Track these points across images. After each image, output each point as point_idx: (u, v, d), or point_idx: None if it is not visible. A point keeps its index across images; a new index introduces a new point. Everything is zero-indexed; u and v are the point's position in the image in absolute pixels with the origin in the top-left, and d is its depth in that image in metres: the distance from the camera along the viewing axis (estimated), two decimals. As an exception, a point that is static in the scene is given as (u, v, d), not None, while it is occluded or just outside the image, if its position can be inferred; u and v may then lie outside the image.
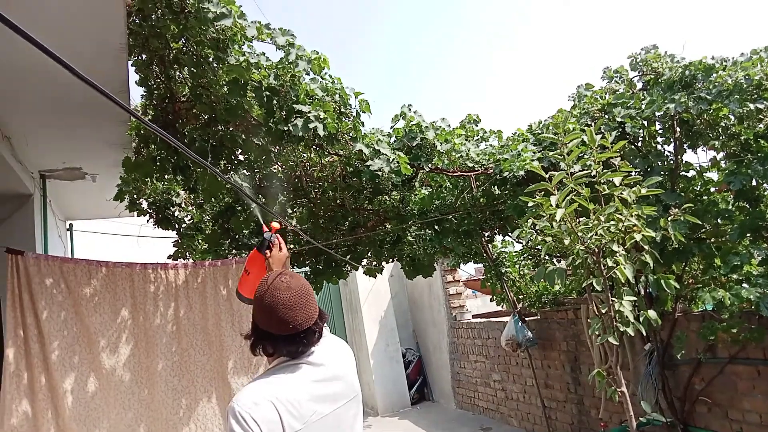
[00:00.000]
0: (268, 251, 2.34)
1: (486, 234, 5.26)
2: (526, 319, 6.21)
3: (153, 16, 2.96)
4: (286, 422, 1.43)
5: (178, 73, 3.39)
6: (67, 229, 6.58)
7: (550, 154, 3.44)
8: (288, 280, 1.55)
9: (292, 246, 4.65)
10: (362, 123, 3.50)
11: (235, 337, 3.79)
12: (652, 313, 3.15)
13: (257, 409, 1.40)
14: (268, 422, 1.40)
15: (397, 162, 3.44)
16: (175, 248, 5.04)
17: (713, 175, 3.93)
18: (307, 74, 3.20)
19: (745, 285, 3.48)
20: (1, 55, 3.01)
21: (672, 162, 3.80)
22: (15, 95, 3.49)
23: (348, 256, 4.90)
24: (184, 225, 4.96)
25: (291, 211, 4.72)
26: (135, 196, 4.58)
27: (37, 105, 3.66)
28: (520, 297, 6.30)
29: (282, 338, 1.52)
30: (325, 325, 1.70)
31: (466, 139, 4.07)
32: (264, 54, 3.13)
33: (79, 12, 2.77)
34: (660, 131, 3.87)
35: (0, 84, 3.32)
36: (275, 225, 2.47)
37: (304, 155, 4.10)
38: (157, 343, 3.60)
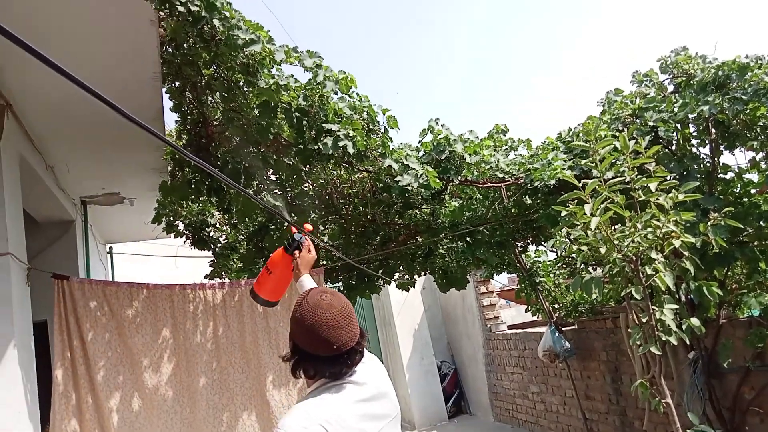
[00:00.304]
0: (296, 251, 2.25)
1: (519, 244, 5.21)
2: (563, 329, 6.09)
3: (185, 45, 3.06)
4: None
5: (210, 98, 3.50)
6: (108, 252, 6.79)
7: (582, 162, 3.40)
8: (330, 299, 1.50)
9: (325, 262, 4.69)
10: (390, 139, 3.53)
11: (273, 354, 3.84)
12: (695, 321, 3.06)
13: None
14: None
15: (426, 176, 3.45)
16: (212, 268, 5.14)
17: (753, 177, 3.81)
18: (335, 94, 3.25)
19: (793, 289, 3.36)
20: (44, 91, 3.16)
21: (709, 164, 3.70)
22: (57, 127, 3.66)
23: (380, 271, 4.91)
24: (219, 245, 5.07)
25: (323, 228, 4.77)
26: (172, 218, 4.70)
27: (77, 135, 3.82)
28: (556, 306, 6.19)
29: (325, 359, 1.46)
30: None
31: (495, 150, 4.06)
32: (293, 76, 3.20)
33: (115, 45, 2.90)
34: (694, 134, 3.78)
35: (43, 117, 3.49)
36: (308, 226, 2.39)
37: (334, 173, 4.15)
38: (197, 362, 3.68)
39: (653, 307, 3.05)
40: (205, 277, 5.18)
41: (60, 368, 3.37)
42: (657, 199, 2.95)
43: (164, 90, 3.49)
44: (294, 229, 2.37)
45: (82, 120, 3.58)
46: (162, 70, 3.21)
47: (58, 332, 3.38)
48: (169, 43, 3.17)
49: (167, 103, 3.62)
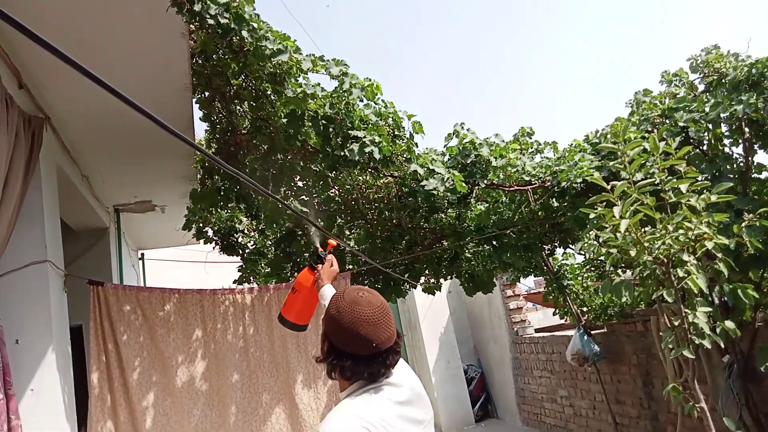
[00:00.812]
0: (319, 264, 2.29)
1: (546, 247, 5.16)
2: (592, 332, 6.01)
3: (214, 56, 3.13)
4: None
5: (238, 107, 3.57)
6: (140, 258, 6.95)
7: (610, 163, 3.37)
8: (368, 296, 1.44)
9: (351, 267, 4.73)
10: (416, 144, 3.55)
11: (301, 357, 3.88)
12: (729, 324, 2.99)
13: None
14: None
15: (452, 180, 3.46)
16: (240, 273, 5.22)
17: (789, 176, 3.71)
18: (361, 101, 3.29)
19: (833, 291, 3.26)
20: (79, 104, 3.27)
21: (742, 164, 3.62)
22: (91, 138, 3.78)
23: (406, 275, 4.92)
24: (247, 250, 5.15)
25: (348, 233, 4.81)
26: (201, 224, 4.80)
27: (111, 146, 3.94)
28: (584, 310, 6.11)
29: (363, 359, 1.40)
30: None
31: (521, 153, 4.05)
32: (319, 84, 3.25)
33: (147, 57, 2.99)
34: (727, 133, 3.70)
35: (78, 129, 3.60)
36: (332, 242, 2.45)
37: (360, 178, 4.19)
38: (227, 365, 3.74)
39: (686, 310, 2.99)
40: (234, 282, 5.27)
41: (96, 372, 3.47)
42: (688, 200, 2.89)
43: (194, 100, 3.57)
44: (321, 249, 2.41)
45: (116, 131, 3.69)
46: (192, 81, 3.29)
47: (93, 336, 3.49)
48: (199, 54, 3.25)
49: (197, 113, 3.72)
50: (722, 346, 3.31)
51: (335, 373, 1.45)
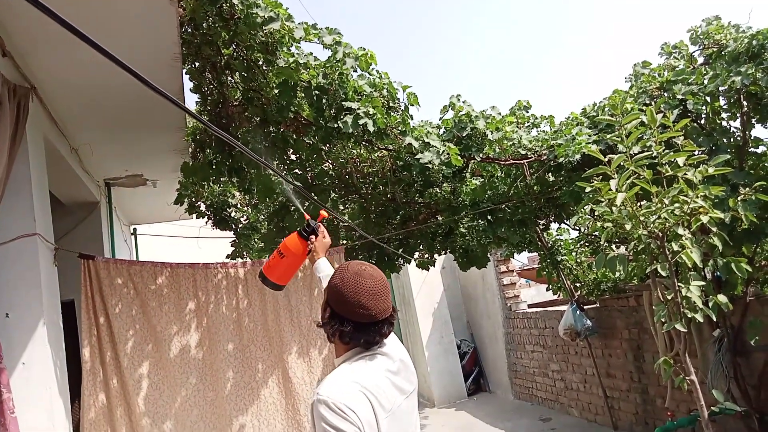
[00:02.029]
0: (313, 237, 2.29)
1: (541, 222, 5.15)
2: (585, 307, 6.05)
3: (204, 25, 3.05)
4: (377, 412, 1.40)
5: (229, 78, 3.49)
6: (132, 233, 6.89)
7: (608, 136, 3.33)
8: (370, 270, 1.55)
9: (344, 241, 4.70)
10: (411, 116, 3.49)
11: (294, 331, 3.89)
12: (722, 298, 3.01)
13: (351, 399, 1.36)
14: (363, 411, 1.37)
15: (448, 153, 3.42)
16: (233, 248, 5.19)
17: (786, 150, 3.70)
18: (355, 71, 3.22)
19: (825, 265, 3.27)
20: (67, 75, 3.18)
21: (739, 138, 3.60)
22: (80, 110, 3.68)
23: (400, 250, 4.91)
24: (240, 225, 5.11)
25: (342, 208, 4.77)
26: (193, 199, 4.75)
27: (100, 118, 3.85)
28: (578, 285, 6.14)
29: (361, 326, 1.50)
30: None
31: (518, 126, 4.00)
32: (312, 54, 3.17)
33: (135, 26, 2.89)
34: (725, 107, 3.66)
35: (67, 100, 3.51)
36: (323, 213, 2.43)
37: (354, 151, 4.14)
38: (219, 340, 3.74)
39: (679, 284, 3.00)
40: (227, 257, 5.24)
41: (87, 345, 3.45)
42: (685, 174, 2.88)
43: (184, 71, 3.48)
44: (307, 217, 2.40)
45: (105, 103, 3.61)
46: (182, 51, 3.20)
47: (84, 310, 3.46)
48: (188, 23, 3.16)
49: (187, 84, 3.63)
50: (714, 319, 3.33)
51: (335, 337, 1.55)
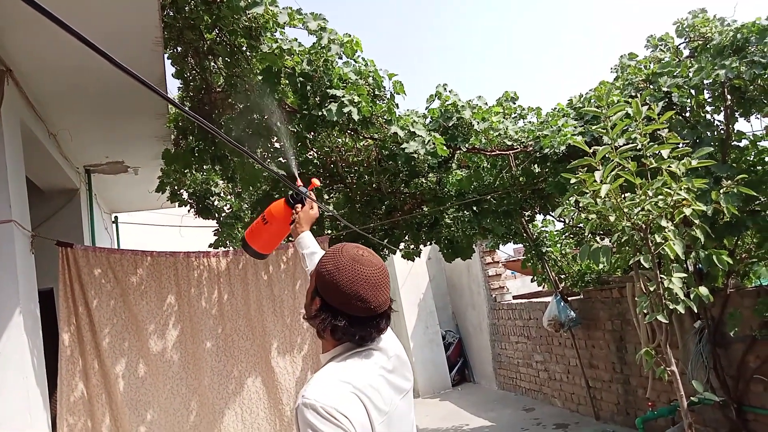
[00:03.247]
0: (298, 206, 2.11)
1: (526, 213, 5.16)
2: (569, 298, 6.10)
3: (186, 8, 2.98)
4: (372, 415, 1.23)
5: (212, 63, 3.43)
6: (113, 222, 6.79)
7: (593, 128, 3.33)
8: (368, 255, 1.34)
9: (329, 231, 4.67)
10: (397, 105, 3.46)
11: (277, 321, 3.85)
12: (703, 290, 3.03)
13: (342, 402, 1.19)
14: (356, 415, 1.19)
15: (433, 143, 3.39)
16: (216, 237, 5.13)
17: (768, 144, 3.73)
18: (340, 58, 3.17)
19: (804, 258, 3.31)
20: (45, 58, 3.09)
21: (723, 132, 3.62)
22: (59, 94, 3.59)
23: (385, 240, 4.89)
24: (223, 214, 5.05)
25: (327, 197, 4.73)
26: (176, 187, 4.68)
27: (80, 103, 3.76)
28: (562, 276, 6.18)
29: (357, 320, 1.30)
30: None
31: (504, 117, 3.98)
32: (296, 40, 3.12)
33: (113, 7, 2.80)
34: (709, 100, 3.68)
35: (44, 84, 3.42)
36: (315, 182, 2.24)
37: (339, 140, 4.09)
38: (201, 329, 3.70)
39: (661, 276, 3.02)
40: (210, 246, 5.18)
41: (66, 333, 3.39)
42: (669, 166, 2.88)
43: (166, 56, 3.41)
44: (300, 182, 2.21)
45: (84, 87, 3.52)
46: (163, 35, 3.12)
47: (63, 299, 3.40)
48: (170, 5, 3.08)
49: (169, 69, 3.55)
50: (695, 311, 3.36)
51: (325, 332, 1.34)
